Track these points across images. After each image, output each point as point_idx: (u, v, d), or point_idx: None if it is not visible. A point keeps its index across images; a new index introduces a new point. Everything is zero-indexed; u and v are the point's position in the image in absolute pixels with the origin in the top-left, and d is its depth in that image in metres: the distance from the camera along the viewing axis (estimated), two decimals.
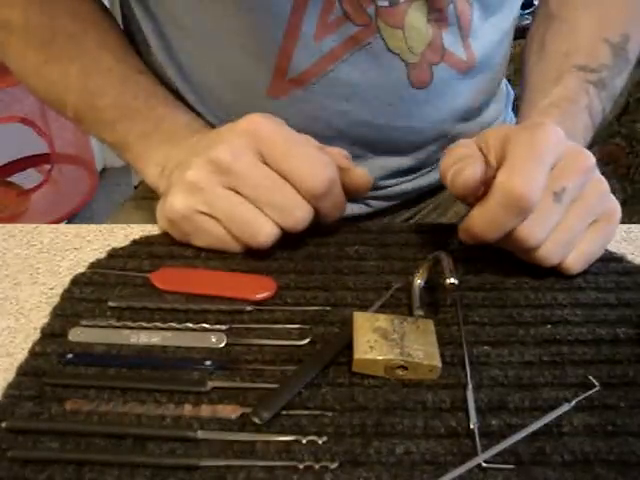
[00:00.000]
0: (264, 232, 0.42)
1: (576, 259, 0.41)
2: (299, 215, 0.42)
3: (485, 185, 0.40)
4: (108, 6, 0.57)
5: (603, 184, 0.41)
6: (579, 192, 0.40)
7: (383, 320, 0.37)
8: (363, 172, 0.45)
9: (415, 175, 0.60)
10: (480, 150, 0.42)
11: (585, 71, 0.53)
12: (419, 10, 0.49)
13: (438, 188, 0.63)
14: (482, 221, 0.39)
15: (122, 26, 0.59)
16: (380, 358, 0.34)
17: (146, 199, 0.63)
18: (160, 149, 0.48)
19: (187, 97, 0.55)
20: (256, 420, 0.32)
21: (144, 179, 0.49)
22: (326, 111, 0.52)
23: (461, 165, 0.40)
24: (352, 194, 0.45)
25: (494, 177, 0.39)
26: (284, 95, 0.51)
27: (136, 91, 0.50)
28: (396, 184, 0.59)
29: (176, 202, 0.43)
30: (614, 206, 0.42)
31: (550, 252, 0.40)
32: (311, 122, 0.52)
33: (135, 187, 0.70)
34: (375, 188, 0.58)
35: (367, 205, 0.60)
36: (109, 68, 0.51)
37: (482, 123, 0.62)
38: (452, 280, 0.37)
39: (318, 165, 0.42)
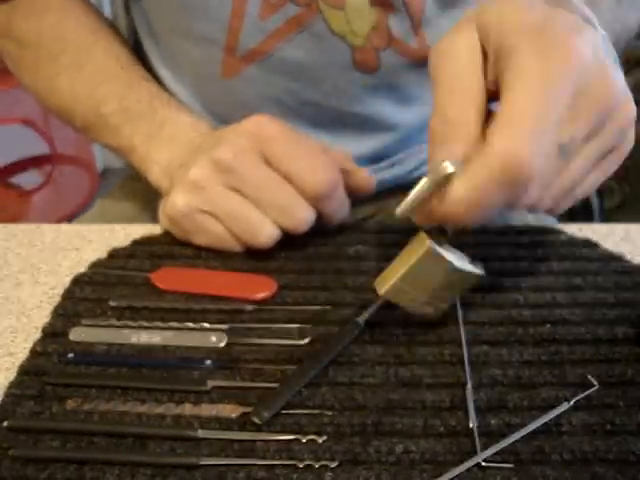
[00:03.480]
0: (265, 233, 0.42)
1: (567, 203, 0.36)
2: (301, 216, 0.42)
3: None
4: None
5: (629, 114, 0.33)
6: (595, 130, 0.32)
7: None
8: (366, 173, 0.46)
9: (375, 167, 0.59)
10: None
11: None
12: None
13: (402, 185, 0.62)
14: (468, 200, 0.30)
15: (132, 41, 0.62)
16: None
17: (134, 180, 0.64)
18: (164, 149, 0.49)
19: (182, 97, 0.57)
20: (256, 420, 0.32)
21: (148, 179, 0.50)
22: (276, 90, 0.53)
23: (439, 152, 0.32)
24: (354, 195, 0.46)
25: (484, 130, 0.30)
26: (237, 74, 0.53)
27: (140, 95, 0.51)
28: None
29: (177, 200, 0.43)
30: (630, 137, 0.34)
31: (547, 206, 0.34)
32: (264, 101, 0.54)
33: None
34: None
35: None
36: (115, 75, 0.52)
37: None
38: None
39: (321, 167, 0.42)
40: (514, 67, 0.30)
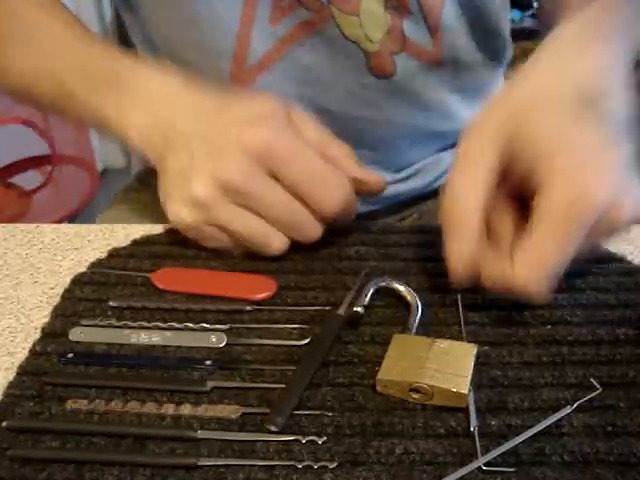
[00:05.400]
0: (275, 245, 0.42)
1: None
2: (312, 234, 0.42)
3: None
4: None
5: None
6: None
7: (420, 342, 0.36)
8: (378, 179, 0.44)
9: (392, 178, 0.59)
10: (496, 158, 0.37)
11: None
12: None
13: (420, 197, 0.62)
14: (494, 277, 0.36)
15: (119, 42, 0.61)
16: (401, 380, 0.33)
17: (137, 190, 0.63)
18: (137, 113, 0.45)
19: None
20: (272, 428, 0.32)
21: (130, 147, 0.47)
22: (287, 96, 0.51)
23: (452, 232, 0.36)
24: (366, 197, 0.45)
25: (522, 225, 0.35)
26: (246, 84, 0.52)
27: (102, 63, 0.48)
28: None
29: (182, 215, 0.42)
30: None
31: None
32: None
33: None
34: None
35: None
36: (73, 47, 0.50)
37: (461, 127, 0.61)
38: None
39: (333, 188, 0.41)
40: (547, 189, 0.34)
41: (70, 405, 0.33)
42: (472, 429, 0.31)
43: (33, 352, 0.37)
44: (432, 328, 0.38)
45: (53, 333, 0.38)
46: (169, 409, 0.33)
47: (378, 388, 0.34)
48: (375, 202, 0.59)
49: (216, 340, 0.37)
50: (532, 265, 0.34)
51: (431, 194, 0.62)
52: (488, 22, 0.56)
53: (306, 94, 0.52)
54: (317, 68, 0.51)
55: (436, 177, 0.61)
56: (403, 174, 0.59)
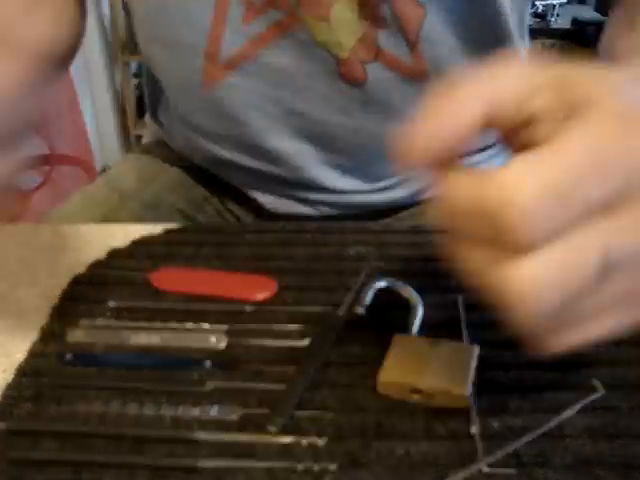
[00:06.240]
0: None
1: None
2: None
3: None
4: None
5: None
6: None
7: (421, 343, 0.35)
8: None
9: (367, 189, 0.58)
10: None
11: None
12: (346, 5, 0.47)
13: (397, 208, 0.61)
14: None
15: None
16: (402, 381, 0.33)
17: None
18: None
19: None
20: (272, 429, 0.31)
21: None
22: (260, 98, 0.52)
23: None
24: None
25: None
26: (219, 83, 0.52)
27: None
28: (348, 193, 0.57)
29: None
30: None
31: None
32: (247, 109, 0.52)
33: None
34: (323, 190, 0.57)
35: (315, 208, 0.59)
36: None
37: None
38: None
39: None
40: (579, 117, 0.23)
41: (69, 406, 0.33)
42: (473, 431, 0.31)
43: (32, 353, 0.36)
44: (433, 329, 0.38)
45: (52, 334, 0.38)
46: (168, 410, 0.33)
47: (379, 389, 0.34)
48: (346, 207, 0.58)
49: (216, 341, 0.37)
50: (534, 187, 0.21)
51: (411, 205, 0.60)
52: (488, 38, 0.53)
53: (278, 96, 0.52)
54: (288, 70, 0.50)
55: (419, 190, 0.59)
56: (382, 184, 0.58)
